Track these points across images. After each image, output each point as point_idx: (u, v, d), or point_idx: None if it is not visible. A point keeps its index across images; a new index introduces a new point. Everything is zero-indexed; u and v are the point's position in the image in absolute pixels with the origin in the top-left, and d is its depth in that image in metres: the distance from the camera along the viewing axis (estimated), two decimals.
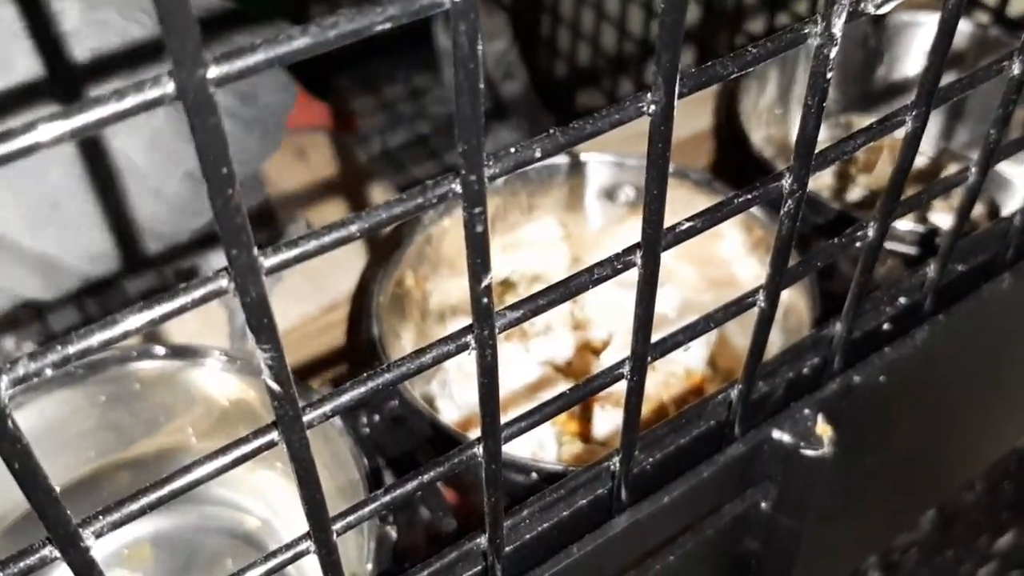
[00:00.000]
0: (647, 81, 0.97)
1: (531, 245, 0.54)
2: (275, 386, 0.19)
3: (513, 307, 0.23)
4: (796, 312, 0.44)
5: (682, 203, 0.50)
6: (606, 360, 0.49)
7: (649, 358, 0.27)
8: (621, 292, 0.52)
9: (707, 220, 0.25)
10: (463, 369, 0.48)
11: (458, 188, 0.19)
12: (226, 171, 0.16)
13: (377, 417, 0.40)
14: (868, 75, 0.61)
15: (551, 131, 0.21)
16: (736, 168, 0.56)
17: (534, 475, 0.37)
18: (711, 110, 0.62)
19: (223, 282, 0.18)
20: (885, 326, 0.37)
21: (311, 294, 0.56)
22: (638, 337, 0.26)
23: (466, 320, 0.51)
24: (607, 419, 0.48)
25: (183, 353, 0.41)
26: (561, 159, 0.51)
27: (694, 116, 0.63)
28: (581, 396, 0.26)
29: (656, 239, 0.24)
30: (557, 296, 0.23)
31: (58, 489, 0.19)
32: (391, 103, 1.17)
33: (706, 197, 0.49)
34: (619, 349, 0.49)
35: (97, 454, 0.43)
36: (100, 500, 0.43)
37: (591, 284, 0.24)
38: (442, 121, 1.14)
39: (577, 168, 0.52)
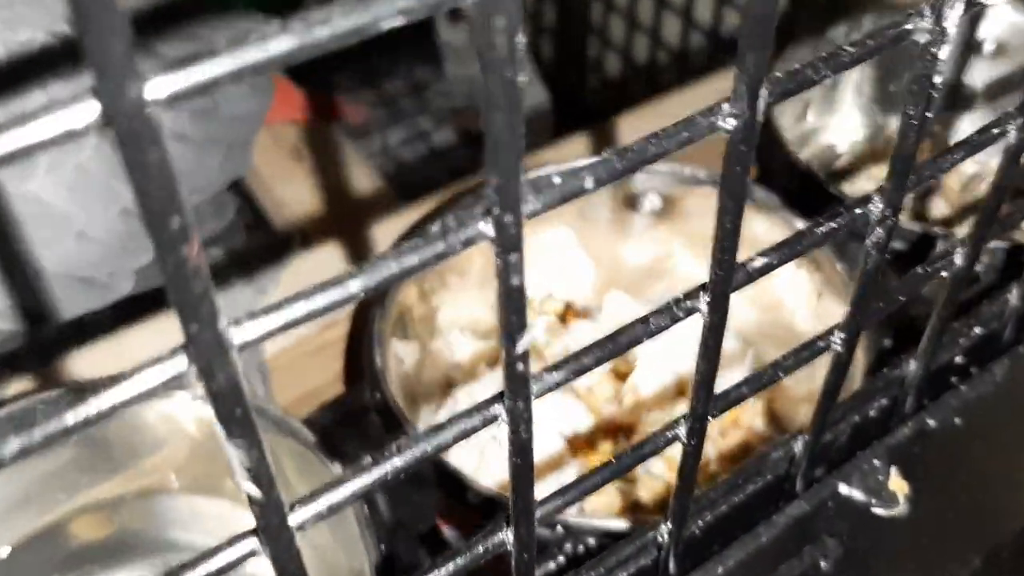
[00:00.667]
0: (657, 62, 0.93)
1: (543, 257, 0.50)
2: (254, 490, 0.15)
3: (552, 368, 0.19)
4: None
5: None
6: (635, 385, 0.45)
7: (710, 417, 0.22)
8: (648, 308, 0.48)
9: (784, 254, 0.21)
10: (474, 397, 0.43)
11: (490, 230, 0.15)
12: (178, 224, 0.12)
13: None
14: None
15: (605, 154, 0.16)
16: (763, 166, 0.52)
17: (560, 529, 0.33)
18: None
19: (181, 364, 0.13)
20: (957, 359, 0.32)
21: None
22: (699, 396, 0.21)
23: (479, 343, 0.46)
24: None
25: None
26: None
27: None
28: (629, 464, 0.22)
29: (727, 281, 0.19)
30: (605, 354, 0.19)
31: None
32: (392, 98, 1.12)
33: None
34: (647, 372, 0.45)
35: (68, 496, 0.39)
36: (71, 549, 0.38)
37: (646, 337, 0.20)
38: (445, 116, 1.10)
39: None
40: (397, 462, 0.17)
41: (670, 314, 0.20)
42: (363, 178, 0.64)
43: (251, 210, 0.69)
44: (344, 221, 0.58)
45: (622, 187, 0.47)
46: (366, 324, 0.39)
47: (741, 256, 0.20)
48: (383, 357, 0.38)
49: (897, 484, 0.29)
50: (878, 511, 0.28)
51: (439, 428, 0.18)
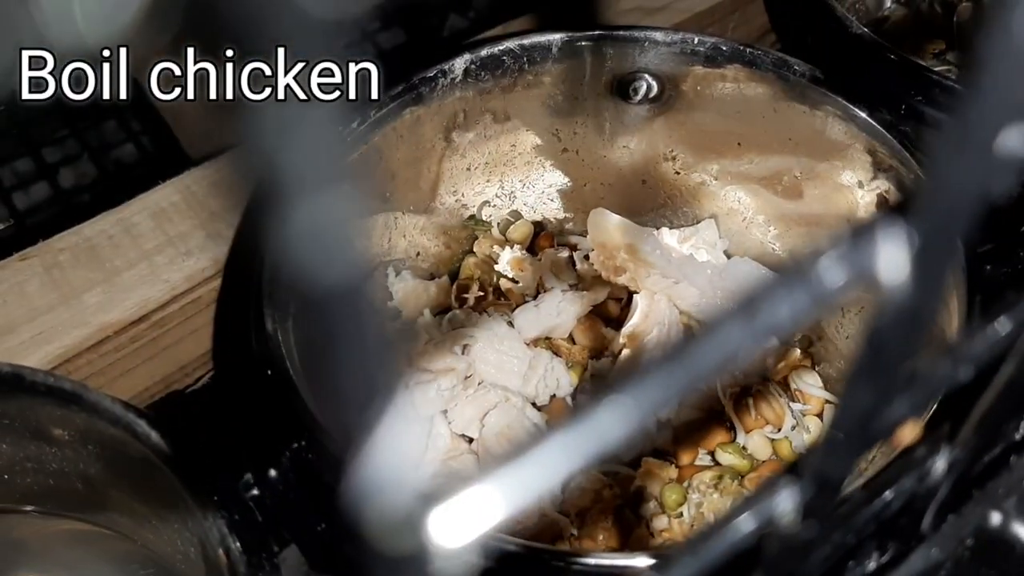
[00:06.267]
0: None
1: (508, 166, 0.38)
2: None
3: None
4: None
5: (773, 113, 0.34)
6: (631, 334, 0.34)
7: None
8: (643, 234, 0.36)
9: None
10: (434, 355, 0.32)
11: None
12: None
13: (274, 472, 0.24)
14: None
15: None
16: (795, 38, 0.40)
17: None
18: None
19: None
20: None
21: (204, 244, 0.39)
22: None
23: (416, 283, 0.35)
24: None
25: None
26: (550, 36, 0.35)
27: None
28: None
29: None
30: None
31: None
32: None
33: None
34: (645, 318, 0.34)
35: None
36: None
37: None
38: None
39: (574, 50, 0.35)
40: None
41: None
42: None
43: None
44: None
45: (606, 66, 0.35)
46: (251, 276, 0.28)
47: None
48: (278, 319, 0.27)
49: None
50: None
51: None
